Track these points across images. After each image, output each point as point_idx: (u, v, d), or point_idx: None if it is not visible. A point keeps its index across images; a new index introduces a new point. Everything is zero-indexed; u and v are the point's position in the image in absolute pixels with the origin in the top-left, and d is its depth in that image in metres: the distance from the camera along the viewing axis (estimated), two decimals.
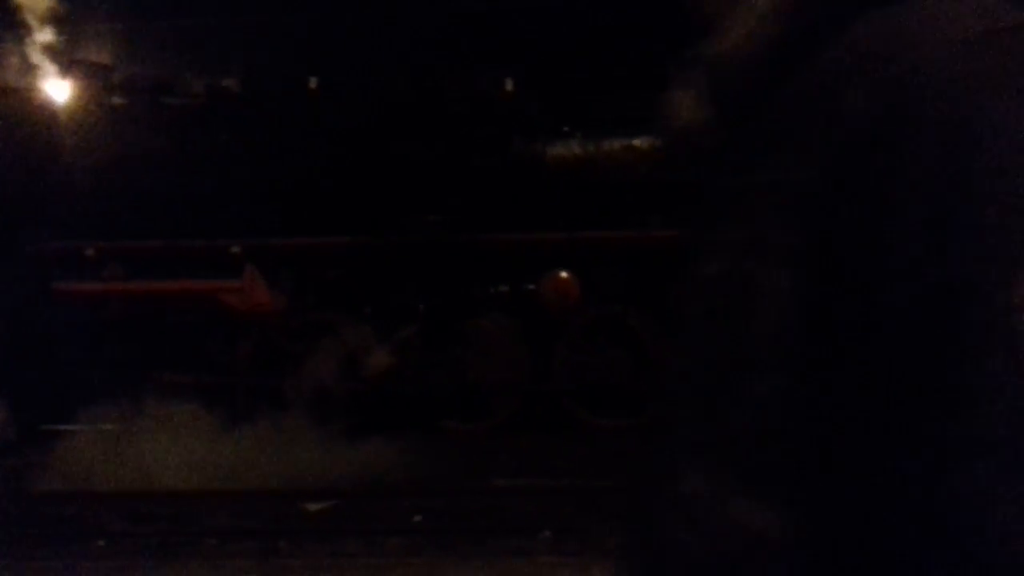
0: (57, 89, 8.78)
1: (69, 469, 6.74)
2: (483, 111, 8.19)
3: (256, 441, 6.73)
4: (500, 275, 8.07)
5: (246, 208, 8.01)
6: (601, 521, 5.43)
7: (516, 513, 5.67)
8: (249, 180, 8.11)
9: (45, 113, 8.53)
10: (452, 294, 8.02)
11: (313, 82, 8.41)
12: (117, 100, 8.69)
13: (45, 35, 9.15)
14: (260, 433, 6.80)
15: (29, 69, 9.14)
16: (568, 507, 5.73)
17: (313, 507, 5.91)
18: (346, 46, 9.08)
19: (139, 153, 8.31)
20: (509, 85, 8.21)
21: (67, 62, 9.05)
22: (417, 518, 5.70)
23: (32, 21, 9.15)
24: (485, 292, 8.06)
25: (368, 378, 7.36)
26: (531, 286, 7.90)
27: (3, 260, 7.89)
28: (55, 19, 9.31)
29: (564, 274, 7.77)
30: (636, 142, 8.02)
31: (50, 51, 9.12)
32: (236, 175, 8.13)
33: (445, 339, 7.86)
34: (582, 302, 7.81)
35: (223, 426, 7.00)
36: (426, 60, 8.43)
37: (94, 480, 6.54)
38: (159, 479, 6.35)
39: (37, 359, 7.78)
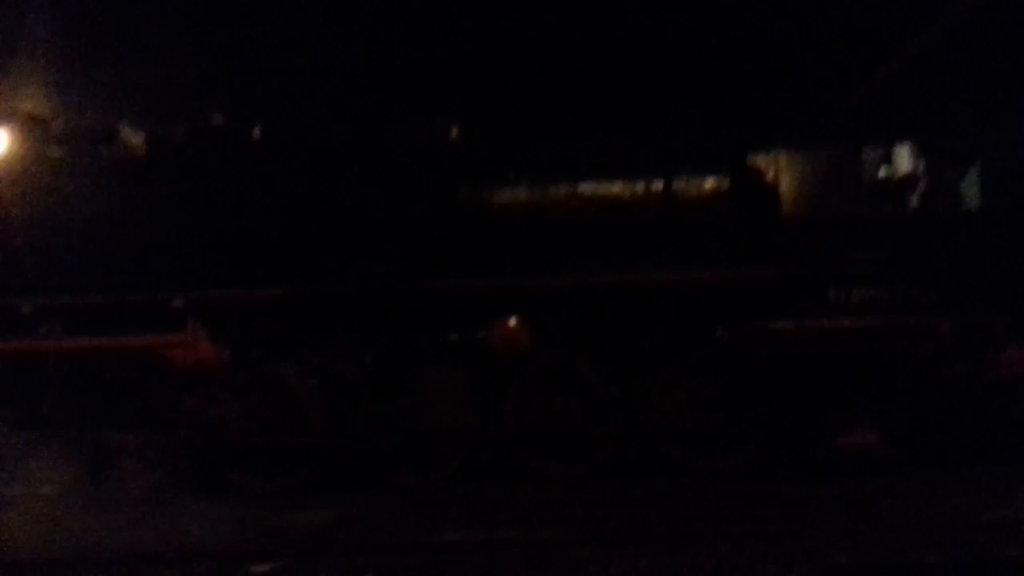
0: None
1: (7, 535, 6.52)
2: (428, 159, 8.22)
3: (201, 499, 6.57)
4: (448, 323, 8.05)
5: (189, 260, 7.90)
6: (554, 573, 5.41)
7: (466, 568, 5.61)
8: (192, 232, 8.01)
9: None
10: (399, 343, 7.97)
11: (256, 132, 8.37)
12: (55, 152, 8.55)
13: None
14: (205, 491, 6.64)
15: None
16: (520, 559, 5.68)
17: (259, 568, 5.78)
18: (290, 95, 9.07)
19: (78, 206, 8.17)
20: (454, 133, 8.26)
21: (3, 113, 8.90)
22: None
23: None
24: (433, 341, 8.02)
25: (316, 432, 7.25)
26: (480, 334, 7.89)
27: None
28: None
29: (513, 321, 7.78)
30: (582, 188, 8.10)
31: None
32: (178, 227, 8.02)
33: (393, 389, 7.79)
34: (532, 349, 7.81)
35: (165, 485, 6.84)
36: (371, 108, 8.46)
37: (24, 549, 6.32)
38: (97, 544, 6.15)
39: None
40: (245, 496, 6.58)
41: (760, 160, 7.95)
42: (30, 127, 8.71)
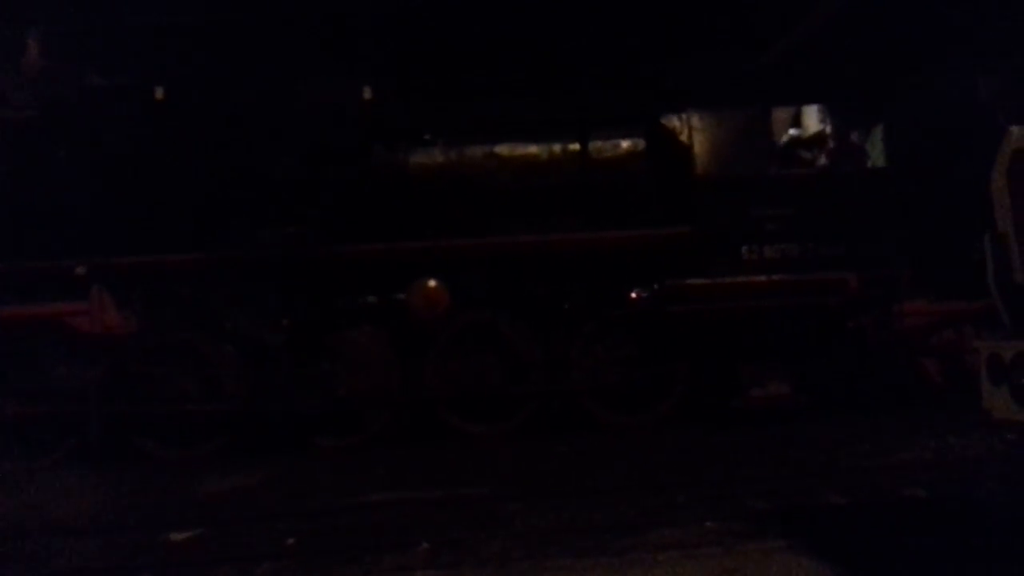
0: None
1: None
2: (342, 120, 8.04)
3: (112, 470, 6.36)
4: (366, 286, 7.94)
5: (90, 226, 7.57)
6: (479, 529, 5.42)
7: (393, 528, 5.58)
8: (94, 196, 7.68)
9: None
10: (317, 307, 7.83)
11: (160, 92, 8.03)
12: None
13: None
14: (116, 462, 6.42)
15: None
16: (445, 517, 5.68)
17: (177, 536, 5.63)
18: (196, 53, 8.73)
19: None
20: (368, 93, 8.10)
21: None
22: (290, 540, 5.51)
23: None
24: (352, 304, 7.91)
25: (232, 398, 7.08)
26: (399, 296, 7.81)
27: None
28: None
29: (432, 282, 7.73)
30: (499, 149, 8.07)
31: None
32: (79, 192, 7.67)
33: (312, 353, 7.66)
34: (451, 310, 7.78)
35: (76, 456, 6.57)
36: (282, 68, 8.21)
37: None
38: (9, 514, 5.90)
39: None
40: (161, 464, 6.38)
41: (673, 121, 8.05)
42: None
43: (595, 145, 8.12)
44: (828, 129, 8.63)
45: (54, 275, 7.47)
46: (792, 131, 9.00)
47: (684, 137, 7.99)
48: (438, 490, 6.28)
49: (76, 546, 5.56)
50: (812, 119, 8.98)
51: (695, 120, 8.00)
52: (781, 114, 8.76)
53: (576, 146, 8.11)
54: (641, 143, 8.11)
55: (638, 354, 7.94)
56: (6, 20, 9.47)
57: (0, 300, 7.40)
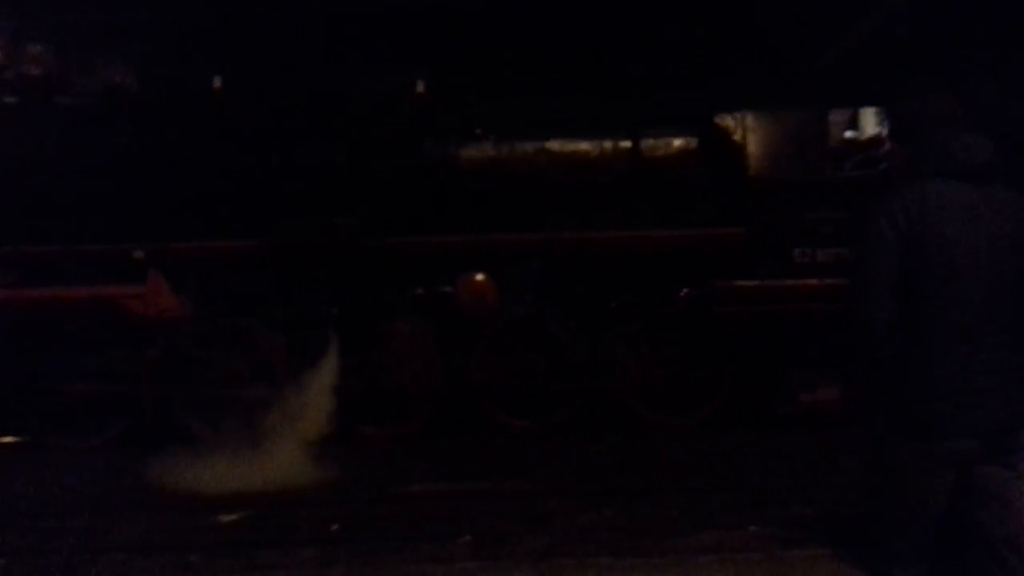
0: None
1: None
2: (394, 113, 8.11)
3: (165, 451, 6.50)
4: (415, 278, 8.00)
5: (149, 211, 7.73)
6: (520, 524, 5.45)
7: (434, 519, 5.63)
8: (152, 182, 7.83)
9: None
10: (365, 298, 7.91)
11: (217, 81, 8.17)
12: (8, 99, 8.29)
13: None
14: (169, 443, 6.57)
15: None
16: (487, 511, 5.71)
17: (225, 518, 5.74)
18: (253, 44, 8.85)
19: (34, 155, 7.93)
20: (420, 87, 8.15)
21: None
22: (334, 527, 5.59)
23: None
24: (400, 295, 7.97)
25: (282, 384, 7.19)
26: (447, 289, 7.85)
27: None
28: None
29: (480, 276, 7.76)
30: (550, 145, 8.07)
31: None
32: (138, 177, 7.84)
33: (359, 343, 7.74)
34: (499, 305, 7.81)
35: (130, 436, 6.72)
36: (336, 60, 8.30)
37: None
38: (64, 493, 6.07)
39: None
40: (211, 447, 6.51)
41: (727, 121, 7.98)
42: None
43: (647, 143, 8.08)
44: (885, 132, 8.49)
45: (112, 258, 7.64)
46: (848, 133, 8.87)
47: (738, 137, 7.91)
48: (480, 483, 6.32)
49: (126, 523, 5.70)
50: (869, 121, 8.84)
51: (749, 120, 7.92)
52: (837, 116, 8.63)
53: (627, 143, 8.08)
54: (694, 142, 8.05)
55: (684, 355, 7.89)
56: (79, 10, 9.70)
57: (60, 282, 7.59)
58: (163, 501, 6.01)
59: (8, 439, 7.76)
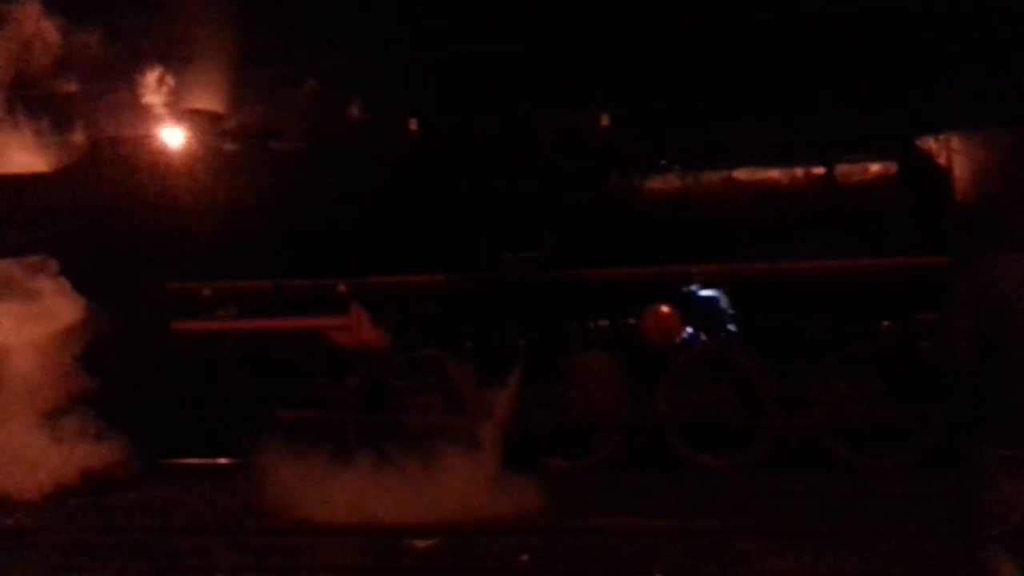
0: (172, 136, 9.23)
1: (190, 503, 7.01)
2: (580, 146, 8.23)
3: (364, 476, 6.83)
4: (601, 310, 8.04)
5: (351, 248, 8.22)
6: (714, 564, 5.33)
7: (624, 554, 5.61)
8: (354, 220, 8.33)
9: (162, 160, 8.96)
10: (552, 330, 8.02)
11: (414, 123, 8.61)
12: (228, 146, 9.07)
13: (160, 85, 9.66)
14: (369, 468, 6.90)
15: (146, 118, 9.65)
16: (678, 548, 5.63)
17: (422, 543, 5.96)
18: (445, 87, 9.27)
19: (249, 197, 8.64)
20: (605, 120, 8.23)
21: (181, 111, 9.52)
22: (524, 556, 5.69)
23: (148, 72, 9.68)
24: (586, 327, 8.03)
25: (473, 415, 7.41)
26: (632, 320, 7.84)
27: (126, 300, 8.28)
28: (170, 70, 9.82)
29: (665, 308, 7.70)
30: (738, 174, 7.92)
31: (165, 100, 9.62)
32: (341, 216, 8.36)
33: (546, 375, 7.86)
34: (684, 337, 7.71)
35: (334, 461, 7.12)
36: (523, 99, 8.54)
37: (210, 514, 6.78)
38: (272, 514, 6.52)
39: (157, 396, 8.12)
40: (403, 471, 6.80)
41: (929, 143, 7.54)
42: (206, 123, 9.28)
43: (842, 169, 7.77)
44: None
45: (317, 293, 8.17)
46: None
47: (942, 160, 7.46)
48: (670, 519, 6.23)
49: (328, 545, 6.03)
50: None
51: (955, 142, 7.45)
52: None
53: (820, 170, 7.80)
54: (893, 167, 7.67)
55: (885, 392, 7.47)
56: (285, 60, 10.51)
57: (271, 314, 8.19)
58: (365, 524, 6.30)
59: (223, 460, 8.44)
